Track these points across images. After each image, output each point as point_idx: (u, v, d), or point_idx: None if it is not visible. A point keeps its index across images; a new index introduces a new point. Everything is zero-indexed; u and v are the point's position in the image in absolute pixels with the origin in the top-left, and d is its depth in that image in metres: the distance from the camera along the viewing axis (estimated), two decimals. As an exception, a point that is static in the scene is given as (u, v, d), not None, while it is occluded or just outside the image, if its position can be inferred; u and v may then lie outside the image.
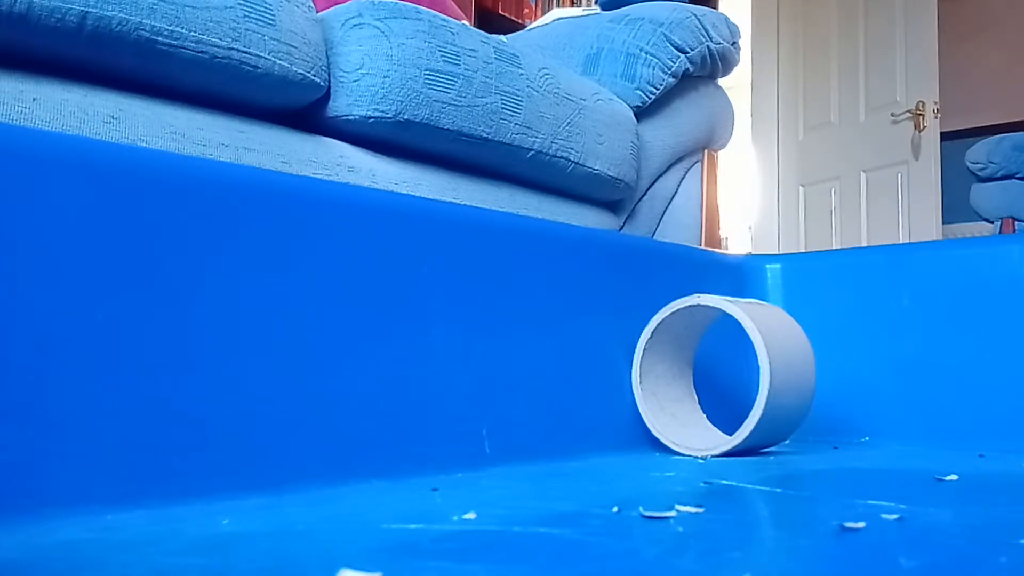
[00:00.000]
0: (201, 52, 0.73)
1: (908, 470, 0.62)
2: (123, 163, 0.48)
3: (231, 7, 0.74)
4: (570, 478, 0.57)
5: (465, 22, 1.09)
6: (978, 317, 0.81)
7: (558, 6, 2.89)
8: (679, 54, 1.26)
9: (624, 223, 1.23)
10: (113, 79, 0.71)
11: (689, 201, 1.35)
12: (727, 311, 0.69)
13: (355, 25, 0.88)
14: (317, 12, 0.88)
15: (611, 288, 0.75)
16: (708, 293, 0.71)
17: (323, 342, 0.55)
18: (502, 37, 1.23)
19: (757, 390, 0.66)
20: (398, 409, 0.58)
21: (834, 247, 2.92)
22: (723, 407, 0.78)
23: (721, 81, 1.44)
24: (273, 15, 0.78)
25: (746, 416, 0.67)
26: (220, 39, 0.73)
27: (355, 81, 0.86)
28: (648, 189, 1.28)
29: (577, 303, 0.72)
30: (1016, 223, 2.93)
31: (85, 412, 0.44)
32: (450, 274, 0.63)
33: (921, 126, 2.71)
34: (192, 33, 0.72)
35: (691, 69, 1.29)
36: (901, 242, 2.68)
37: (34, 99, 0.66)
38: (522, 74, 0.99)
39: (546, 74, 1.04)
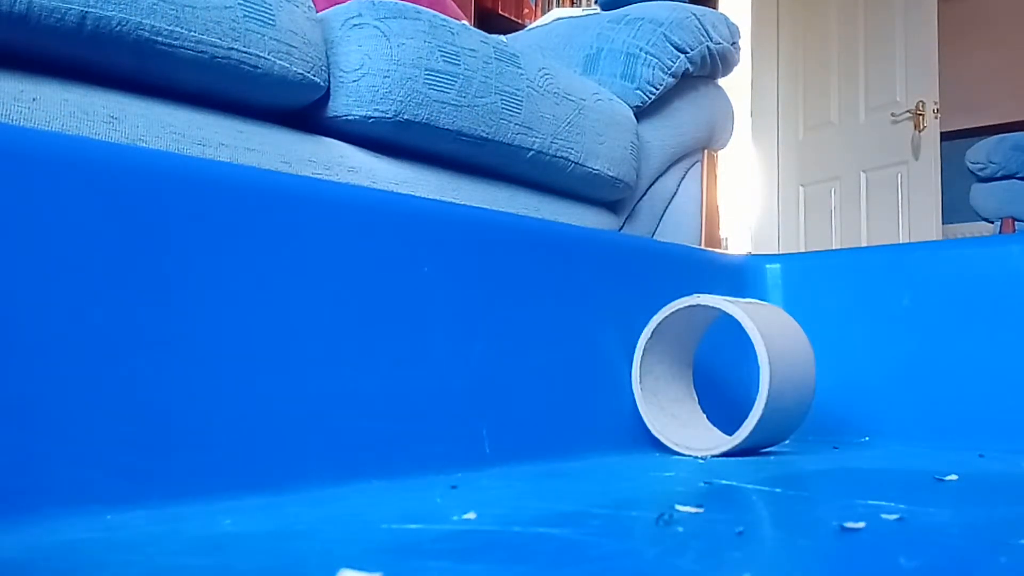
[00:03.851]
0: (201, 52, 0.73)
1: (908, 470, 0.62)
2: (123, 163, 0.48)
3: (231, 7, 0.74)
4: (570, 478, 0.57)
5: (465, 22, 1.09)
6: (978, 317, 0.81)
7: (558, 6, 2.89)
8: (679, 54, 1.26)
9: (624, 223, 1.23)
10: (113, 79, 0.71)
11: (689, 201, 1.35)
12: (727, 311, 0.69)
13: (355, 25, 0.88)
14: (317, 12, 0.88)
15: (611, 288, 0.75)
16: (708, 293, 0.71)
17: (323, 342, 0.55)
18: (502, 37, 1.23)
19: (757, 390, 0.66)
20: (398, 409, 0.58)
21: (834, 247, 2.92)
22: (723, 407, 0.78)
23: (721, 81, 1.44)
24: (273, 15, 0.78)
25: (746, 416, 0.67)
26: (220, 39, 0.73)
27: (355, 81, 0.86)
28: (648, 189, 1.28)
29: (577, 303, 0.72)
30: (1016, 223, 2.93)
31: (85, 412, 0.44)
32: (450, 274, 0.63)
33: (921, 126, 2.71)
34: (192, 33, 0.72)
35: (691, 69, 1.29)
36: (901, 242, 2.68)
37: (34, 99, 0.66)
38: (522, 74, 0.99)
39: (546, 74, 1.04)
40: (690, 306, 0.71)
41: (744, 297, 0.80)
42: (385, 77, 0.86)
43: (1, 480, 0.40)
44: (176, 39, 0.71)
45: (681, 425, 0.74)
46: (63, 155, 0.46)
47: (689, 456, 0.69)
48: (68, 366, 0.44)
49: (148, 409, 0.46)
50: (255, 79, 0.77)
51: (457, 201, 0.91)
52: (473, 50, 0.94)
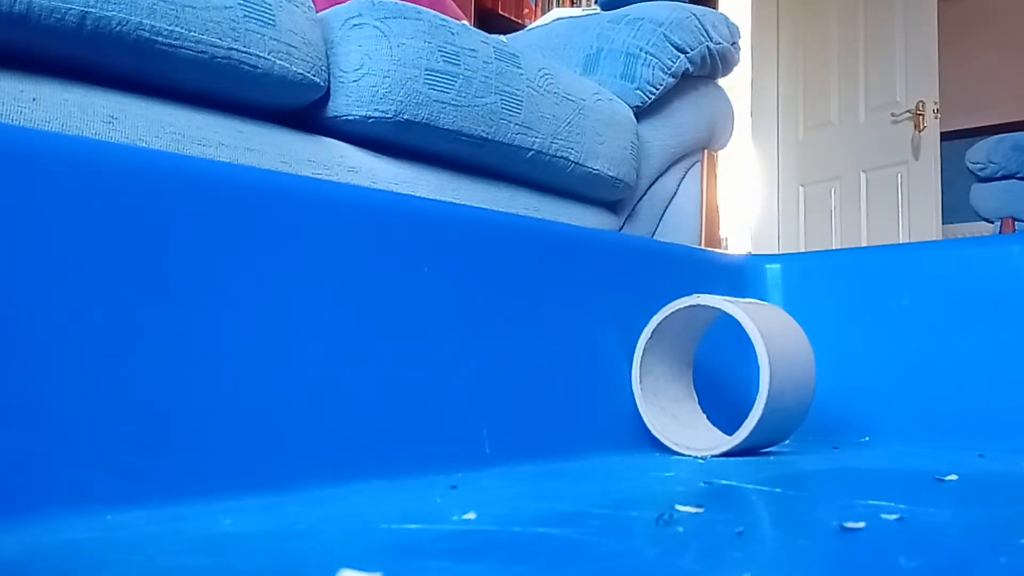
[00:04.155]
0: (201, 52, 0.73)
1: (908, 470, 0.62)
2: (123, 163, 0.48)
3: (231, 7, 0.74)
4: (570, 478, 0.57)
5: (465, 22, 1.09)
6: (978, 317, 0.81)
7: (558, 6, 2.89)
8: (679, 54, 1.26)
9: (624, 223, 1.23)
10: (113, 79, 0.71)
11: (689, 201, 1.35)
12: (727, 311, 0.69)
13: (355, 25, 0.88)
14: (317, 12, 0.88)
15: (611, 288, 0.75)
16: (708, 293, 0.71)
17: (323, 342, 0.55)
18: (502, 37, 1.23)
19: (757, 390, 0.66)
20: (398, 409, 0.58)
21: (834, 247, 2.92)
22: (723, 407, 0.78)
23: (721, 81, 1.44)
24: (273, 15, 0.78)
25: (746, 416, 0.67)
26: (220, 39, 0.73)
27: (355, 81, 0.86)
28: (648, 189, 1.28)
29: (577, 303, 0.72)
30: (1016, 223, 2.93)
31: (85, 412, 0.44)
32: (450, 274, 0.63)
33: (921, 126, 2.71)
34: (192, 33, 0.72)
35: (691, 69, 1.29)
36: (901, 242, 2.68)
37: (34, 99, 0.66)
38: (522, 74, 0.99)
39: (546, 74, 1.04)
40: (690, 306, 0.71)
41: (744, 297, 0.80)
42: (385, 77, 0.86)
43: (1, 480, 0.41)
44: (176, 39, 0.71)
45: (681, 425, 0.74)
46: (63, 155, 0.46)
47: (689, 456, 0.69)
48: (68, 366, 0.44)
49: (148, 409, 0.46)
50: (255, 79, 0.77)
51: (457, 201, 0.91)
52: (473, 50, 0.94)
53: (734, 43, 1.38)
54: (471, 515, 0.41)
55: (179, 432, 0.47)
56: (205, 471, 0.47)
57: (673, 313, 0.72)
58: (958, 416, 0.80)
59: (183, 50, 0.71)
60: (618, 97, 1.18)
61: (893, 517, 0.40)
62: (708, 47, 1.31)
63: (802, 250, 2.84)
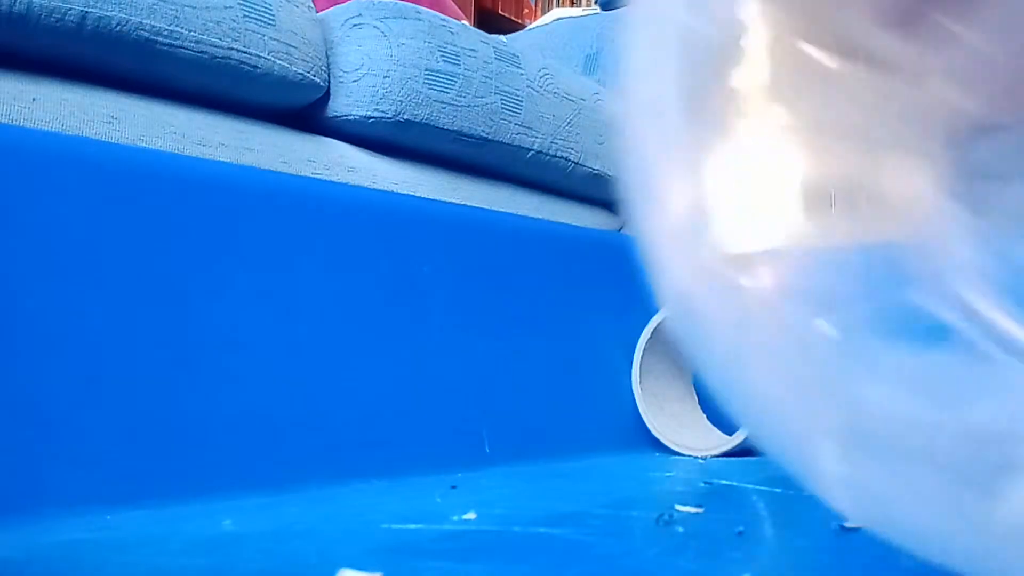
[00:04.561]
0: (201, 52, 0.73)
1: (908, 470, 0.61)
2: (123, 163, 0.48)
3: (231, 7, 0.74)
4: (570, 478, 0.57)
5: (465, 22, 1.10)
6: (978, 317, 0.81)
7: (558, 6, 2.89)
8: (679, 54, 1.26)
9: (624, 223, 1.23)
10: (113, 79, 0.71)
11: (689, 201, 1.35)
12: (727, 311, 0.68)
13: (355, 25, 0.88)
14: (317, 12, 0.88)
15: (611, 288, 0.75)
16: (708, 293, 0.71)
17: (323, 342, 0.55)
18: (502, 37, 1.23)
19: (757, 390, 0.66)
20: (398, 409, 0.58)
21: (834, 247, 2.91)
22: (723, 407, 0.78)
23: (721, 81, 1.44)
24: (273, 15, 0.78)
25: (746, 416, 0.67)
26: (220, 39, 0.73)
27: (355, 81, 0.86)
28: (648, 189, 1.28)
29: (577, 303, 0.72)
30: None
31: (85, 412, 0.44)
32: (450, 274, 0.63)
33: (921, 126, 2.72)
34: (192, 33, 0.72)
35: (691, 69, 1.29)
36: (901, 242, 2.67)
37: (34, 99, 0.66)
38: (522, 74, 0.99)
39: (546, 74, 1.04)
40: (690, 306, 0.71)
41: (744, 297, 0.80)
42: (385, 77, 0.86)
43: (1, 480, 0.41)
44: (176, 39, 0.71)
45: (681, 425, 0.74)
46: (63, 155, 0.46)
47: (689, 456, 0.69)
48: (68, 366, 0.44)
49: (147, 409, 0.46)
50: (255, 79, 0.77)
51: (457, 201, 0.91)
52: (473, 50, 0.94)
53: (734, 43, 1.38)
54: (471, 515, 0.41)
55: (179, 432, 0.47)
56: (205, 471, 0.47)
57: (673, 313, 0.72)
58: (958, 416, 0.80)
59: (183, 50, 0.71)
60: (618, 97, 1.18)
61: (893, 517, 0.40)
62: (708, 47, 1.31)
63: (802, 250, 2.84)
